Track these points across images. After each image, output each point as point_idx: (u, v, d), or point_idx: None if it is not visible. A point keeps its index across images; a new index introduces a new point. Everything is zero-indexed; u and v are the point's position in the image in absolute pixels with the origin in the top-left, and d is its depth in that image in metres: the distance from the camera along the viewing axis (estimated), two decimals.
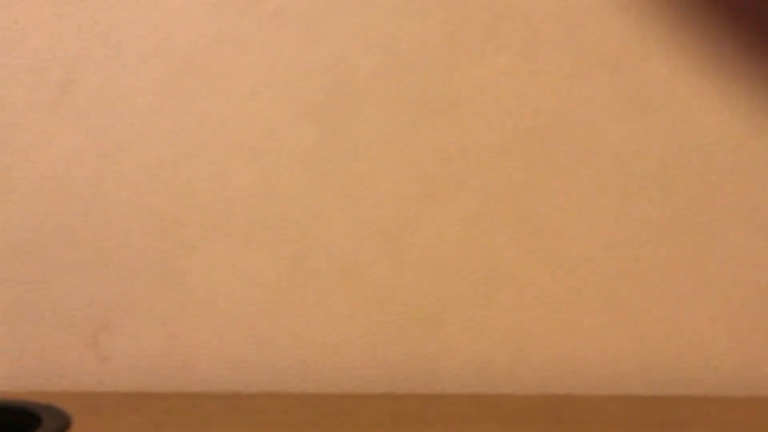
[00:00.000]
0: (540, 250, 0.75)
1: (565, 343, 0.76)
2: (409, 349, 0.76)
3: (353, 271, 0.75)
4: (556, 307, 0.76)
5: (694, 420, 0.71)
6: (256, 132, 0.75)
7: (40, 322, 0.75)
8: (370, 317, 0.76)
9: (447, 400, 0.74)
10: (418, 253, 0.75)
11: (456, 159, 0.75)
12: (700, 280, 0.76)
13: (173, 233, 0.75)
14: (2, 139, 0.74)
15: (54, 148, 0.74)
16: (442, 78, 0.74)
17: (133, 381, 0.76)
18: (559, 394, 0.76)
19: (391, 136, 0.75)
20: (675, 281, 0.76)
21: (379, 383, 0.76)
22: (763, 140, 0.75)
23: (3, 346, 0.75)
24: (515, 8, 0.73)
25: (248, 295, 0.76)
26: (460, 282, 0.76)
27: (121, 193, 0.75)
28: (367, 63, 0.74)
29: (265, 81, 0.74)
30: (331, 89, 0.74)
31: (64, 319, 0.75)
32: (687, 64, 0.74)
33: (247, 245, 0.75)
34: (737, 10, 0.73)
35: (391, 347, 0.76)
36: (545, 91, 0.74)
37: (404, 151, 0.75)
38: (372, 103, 0.74)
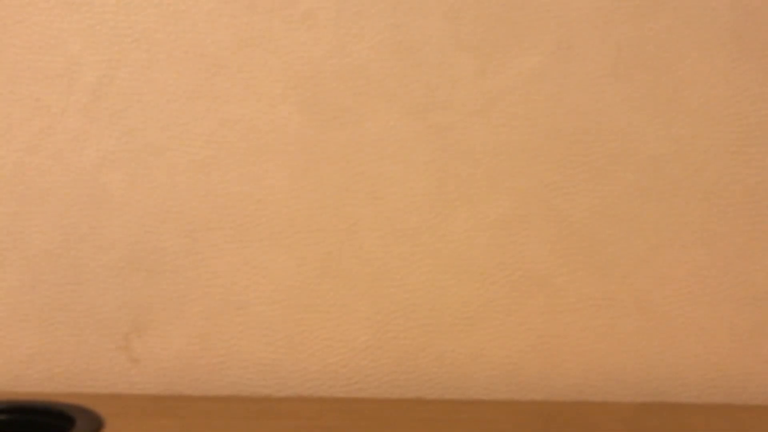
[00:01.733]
0: (573, 253, 0.74)
1: (598, 349, 0.75)
2: (438, 354, 0.75)
3: (383, 274, 0.75)
4: (590, 313, 0.75)
5: (732, 430, 0.69)
6: (286, 134, 0.74)
7: (72, 325, 0.76)
8: (399, 321, 0.75)
9: (477, 406, 0.74)
10: (448, 257, 0.75)
11: (487, 161, 0.74)
12: (739, 285, 0.74)
13: (204, 236, 0.75)
14: (36, 142, 0.75)
15: (87, 151, 0.75)
16: (474, 79, 0.73)
17: (164, 383, 0.76)
18: (592, 402, 0.75)
19: (421, 138, 0.74)
20: (713, 287, 0.74)
21: (408, 388, 0.76)
22: None
23: (36, 348, 0.76)
24: (549, 6, 0.72)
25: (278, 298, 0.76)
26: (491, 286, 0.75)
27: (153, 195, 0.75)
28: (397, 64, 0.74)
29: (294, 83, 0.74)
30: (361, 91, 0.74)
31: (96, 321, 0.76)
32: (726, 64, 0.72)
33: (277, 248, 0.75)
34: None
35: (420, 352, 0.75)
36: (579, 91, 0.73)
37: (435, 153, 0.74)
38: (402, 105, 0.74)
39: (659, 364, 0.75)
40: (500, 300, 0.75)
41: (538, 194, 0.74)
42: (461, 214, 0.75)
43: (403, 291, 0.75)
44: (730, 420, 0.71)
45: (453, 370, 0.75)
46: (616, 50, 0.73)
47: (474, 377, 0.75)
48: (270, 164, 0.75)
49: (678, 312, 0.74)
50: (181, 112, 0.74)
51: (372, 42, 0.74)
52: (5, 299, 0.76)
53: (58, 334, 0.76)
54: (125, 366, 0.76)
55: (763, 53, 0.72)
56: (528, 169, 0.74)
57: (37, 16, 0.74)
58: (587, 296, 0.75)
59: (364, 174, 0.75)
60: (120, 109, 0.74)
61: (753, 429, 0.69)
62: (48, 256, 0.76)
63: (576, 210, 0.74)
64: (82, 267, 0.76)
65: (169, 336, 0.76)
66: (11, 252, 0.75)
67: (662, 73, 0.73)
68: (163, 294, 0.76)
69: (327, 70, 0.74)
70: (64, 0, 0.73)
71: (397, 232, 0.75)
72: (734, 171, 0.73)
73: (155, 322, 0.76)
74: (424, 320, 0.75)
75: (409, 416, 0.71)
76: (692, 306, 0.74)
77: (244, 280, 0.76)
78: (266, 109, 0.74)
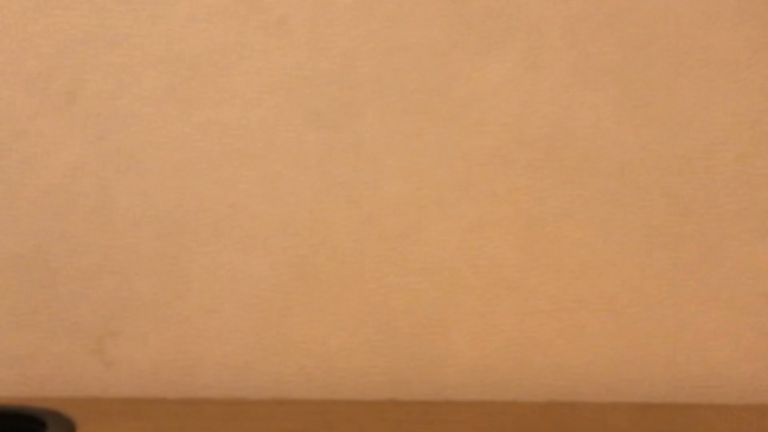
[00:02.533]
0: (544, 257, 0.75)
1: (568, 350, 0.76)
2: (412, 356, 0.76)
3: (356, 277, 0.75)
4: (560, 314, 0.76)
5: (697, 428, 0.70)
6: (261, 138, 0.75)
7: (45, 328, 0.76)
8: (373, 323, 0.76)
9: (450, 407, 0.74)
10: (421, 260, 0.75)
11: (460, 165, 0.75)
12: (704, 287, 0.75)
13: (178, 240, 0.75)
14: (8, 145, 0.74)
15: (60, 155, 0.75)
16: (446, 85, 0.74)
17: (138, 387, 0.76)
18: (562, 402, 0.76)
19: (394, 142, 0.75)
20: (679, 288, 0.76)
21: (382, 390, 0.76)
22: (767, 146, 0.75)
23: (9, 352, 0.76)
24: (519, 15, 0.74)
25: (252, 301, 0.76)
26: (464, 288, 0.76)
27: (127, 199, 0.75)
28: (371, 70, 0.74)
29: (269, 88, 0.74)
30: (335, 96, 0.74)
31: (69, 325, 0.76)
32: (691, 72, 0.74)
33: (251, 251, 0.75)
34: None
35: (394, 354, 0.76)
36: (549, 97, 0.74)
37: (408, 157, 0.75)
38: (375, 109, 0.75)
39: (627, 365, 0.76)
40: (472, 302, 0.76)
41: (509, 198, 0.75)
42: (434, 218, 0.75)
43: (377, 294, 0.76)
44: (698, 420, 0.72)
45: (426, 372, 0.76)
46: (584, 58, 0.74)
47: (447, 378, 0.76)
48: (244, 168, 0.75)
49: (645, 313, 0.76)
50: (155, 116, 0.74)
51: (345, 48, 0.74)
52: None
53: (30, 338, 0.76)
54: (98, 369, 0.76)
55: (727, 62, 0.74)
56: (499, 174, 0.75)
57: (9, 18, 0.73)
58: (557, 298, 0.76)
59: (339, 178, 0.75)
60: (94, 113, 0.74)
61: (720, 428, 0.71)
62: (20, 260, 0.75)
63: (546, 214, 0.75)
64: (55, 271, 0.75)
65: (143, 339, 0.76)
66: None
67: (629, 81, 0.74)
68: (137, 298, 0.76)
69: (301, 76, 0.74)
70: (38, 3, 0.73)
71: (371, 236, 0.75)
72: (699, 176, 0.75)
73: (129, 326, 0.76)
74: (398, 323, 0.76)
75: (383, 417, 0.71)
76: (658, 307, 0.76)
77: (218, 283, 0.76)
78: (241, 114, 0.75)
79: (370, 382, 0.76)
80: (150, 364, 0.76)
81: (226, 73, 0.74)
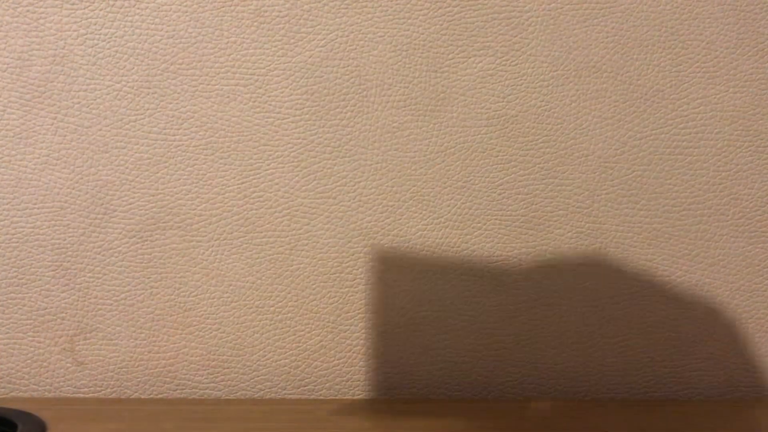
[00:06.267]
0: (524, 253, 0.75)
1: (548, 348, 0.76)
2: (391, 354, 0.75)
3: (335, 275, 0.75)
4: (540, 312, 0.75)
5: (677, 424, 0.70)
6: (237, 133, 0.74)
7: (15, 327, 0.74)
8: (351, 322, 0.75)
9: (428, 405, 0.74)
10: (400, 256, 0.75)
11: (440, 160, 0.74)
12: (685, 283, 0.75)
13: (152, 236, 0.74)
14: None
15: (31, 149, 0.73)
16: (426, 79, 0.74)
17: (111, 387, 0.75)
18: (541, 400, 0.75)
19: (374, 136, 0.74)
20: (661, 285, 0.76)
21: (359, 389, 0.75)
22: (749, 142, 0.75)
23: None
24: (499, 9, 0.73)
25: (228, 299, 0.75)
26: (443, 285, 0.75)
27: (99, 194, 0.74)
28: (349, 64, 0.73)
29: (245, 81, 0.73)
30: (312, 90, 0.73)
31: (40, 323, 0.74)
32: (671, 67, 0.74)
33: (227, 248, 0.74)
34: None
35: (372, 352, 0.75)
36: (530, 92, 0.74)
37: (387, 151, 0.74)
38: (354, 104, 0.74)
39: (609, 363, 0.76)
40: (452, 299, 0.75)
41: (490, 194, 0.75)
42: (414, 213, 0.75)
43: (356, 291, 0.75)
44: (679, 416, 0.72)
45: (405, 370, 0.75)
46: (565, 52, 0.74)
47: (425, 377, 0.76)
48: (220, 162, 0.74)
49: (626, 311, 0.76)
50: (128, 108, 0.73)
51: (323, 41, 0.73)
52: None
53: (0, 337, 0.74)
54: (70, 369, 0.75)
55: (707, 56, 0.74)
56: (480, 169, 0.74)
57: None
58: (538, 295, 0.75)
59: (317, 173, 0.74)
60: (66, 106, 0.73)
61: (701, 423, 0.71)
62: None
63: (527, 210, 0.75)
64: (26, 268, 0.74)
65: (116, 338, 0.75)
66: None
67: (610, 76, 0.74)
68: (110, 295, 0.74)
69: (277, 68, 0.73)
70: None
71: (350, 232, 0.75)
72: (679, 172, 0.75)
73: (101, 324, 0.75)
74: (377, 320, 0.75)
75: (360, 417, 0.71)
76: (639, 304, 0.76)
77: (193, 280, 0.75)
78: (216, 107, 0.73)
79: (348, 380, 0.75)
80: (123, 363, 0.75)
81: (200, 66, 0.73)
